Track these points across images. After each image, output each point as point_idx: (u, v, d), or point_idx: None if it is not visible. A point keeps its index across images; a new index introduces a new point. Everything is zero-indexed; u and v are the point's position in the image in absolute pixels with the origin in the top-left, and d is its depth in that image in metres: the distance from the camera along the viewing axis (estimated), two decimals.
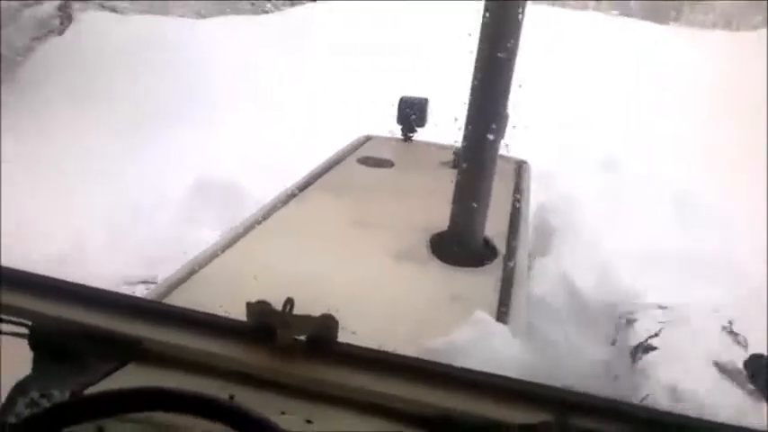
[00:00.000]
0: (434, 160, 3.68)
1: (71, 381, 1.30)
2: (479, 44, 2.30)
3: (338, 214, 2.76)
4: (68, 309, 1.39)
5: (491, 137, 2.29)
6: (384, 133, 4.36)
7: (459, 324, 1.66)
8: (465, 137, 2.36)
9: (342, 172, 3.48)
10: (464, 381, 1.32)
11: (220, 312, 1.53)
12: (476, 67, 2.30)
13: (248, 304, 1.36)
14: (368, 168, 3.61)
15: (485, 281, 2.28)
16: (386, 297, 2.07)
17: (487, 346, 1.57)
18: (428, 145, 4.13)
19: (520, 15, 2.24)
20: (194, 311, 1.48)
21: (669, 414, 1.33)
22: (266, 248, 2.38)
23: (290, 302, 1.34)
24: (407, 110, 4.23)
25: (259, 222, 2.59)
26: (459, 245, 2.45)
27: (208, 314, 1.47)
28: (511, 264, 2.43)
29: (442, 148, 3.70)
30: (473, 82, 2.31)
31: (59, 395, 1.05)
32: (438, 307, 2.04)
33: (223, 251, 2.28)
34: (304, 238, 2.50)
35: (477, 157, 2.35)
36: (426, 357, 1.48)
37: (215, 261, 2.20)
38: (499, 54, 2.24)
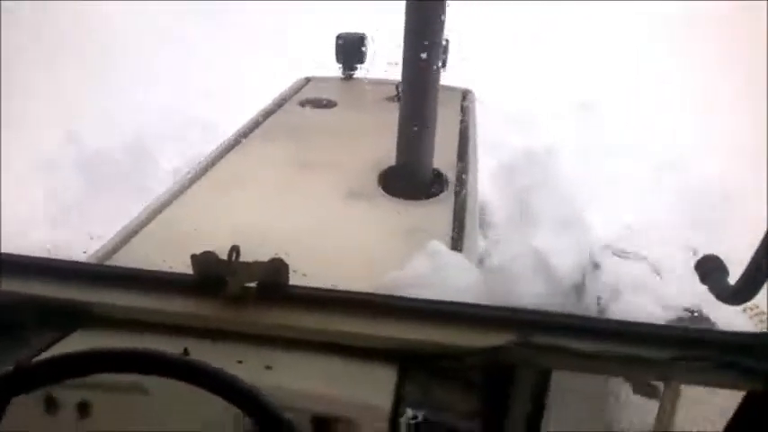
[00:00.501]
0: (378, 96, 3.61)
1: (17, 353, 1.24)
2: None
3: (282, 159, 2.69)
4: (7, 280, 1.32)
5: (430, 64, 2.22)
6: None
7: (414, 256, 1.63)
8: (403, 68, 2.29)
9: (283, 116, 3.38)
10: (424, 311, 1.30)
11: (166, 269, 1.48)
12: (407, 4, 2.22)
13: (193, 256, 1.31)
14: (310, 110, 3.52)
15: (437, 212, 2.26)
16: (337, 236, 2.03)
17: (444, 275, 1.55)
18: (371, 81, 4.04)
19: None
20: (138, 270, 1.43)
21: (627, 323, 1.34)
22: (210, 200, 2.31)
23: (235, 250, 1.29)
24: (345, 47, 4.12)
25: (201, 175, 2.50)
26: (408, 178, 2.41)
27: (153, 271, 1.41)
28: (462, 193, 2.41)
29: (386, 83, 3.62)
30: (406, 9, 2.23)
31: (4, 368, 0.99)
32: (391, 241, 2.01)
33: (165, 207, 2.20)
34: (248, 186, 2.43)
35: (417, 87, 2.29)
36: (383, 292, 1.46)
37: (157, 218, 2.12)
38: None
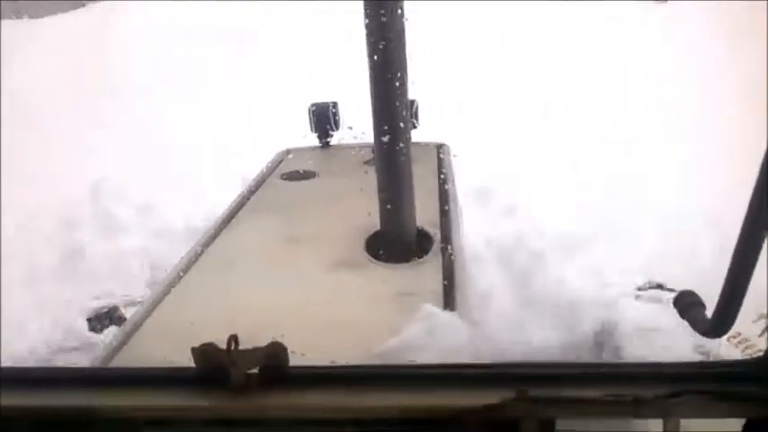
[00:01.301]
0: (356, 161, 3.69)
1: None
2: (367, 44, 2.30)
3: (270, 236, 2.73)
4: (7, 394, 1.34)
5: (401, 134, 2.30)
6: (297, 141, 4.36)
7: (408, 321, 1.67)
8: (374, 132, 2.36)
9: (267, 192, 3.44)
10: (423, 377, 1.33)
11: (167, 365, 1.50)
12: (369, 60, 2.29)
13: (193, 350, 1.34)
14: (292, 183, 3.59)
15: (425, 272, 2.31)
16: (330, 310, 2.06)
17: (440, 336, 1.59)
18: (347, 147, 4.13)
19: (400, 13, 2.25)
20: (140, 369, 1.46)
21: (622, 365, 1.38)
22: (204, 288, 2.34)
23: (233, 339, 1.32)
24: (319, 116, 4.22)
25: (192, 262, 2.54)
26: (394, 242, 2.46)
27: (155, 369, 1.44)
28: (449, 248, 2.46)
29: (362, 146, 3.71)
30: (370, 76, 2.31)
31: None
32: (384, 307, 2.05)
33: (160, 301, 2.23)
34: (239, 268, 2.47)
35: (390, 150, 2.35)
36: (381, 361, 1.49)
37: (154, 314, 2.15)
38: (388, 37, 2.23)
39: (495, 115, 6.77)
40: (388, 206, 2.45)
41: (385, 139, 2.34)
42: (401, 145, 2.35)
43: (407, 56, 2.31)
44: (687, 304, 1.28)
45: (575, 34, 8.28)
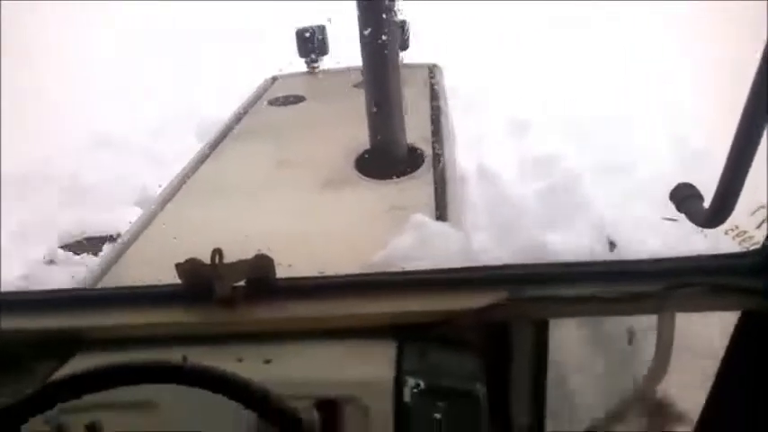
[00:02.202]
0: (344, 85, 3.59)
1: (19, 386, 1.24)
2: None
3: (257, 160, 2.68)
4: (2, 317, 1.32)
5: (386, 42, 2.21)
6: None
7: (399, 232, 1.63)
8: (362, 50, 2.29)
9: (254, 117, 3.36)
10: (413, 282, 1.30)
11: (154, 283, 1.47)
12: None
13: (177, 265, 1.31)
14: (280, 108, 3.51)
15: (417, 186, 2.26)
16: (319, 224, 2.03)
17: (431, 245, 1.56)
18: (336, 71, 4.03)
19: None
20: (126, 288, 1.43)
21: (615, 263, 1.34)
22: (192, 210, 2.30)
23: (217, 253, 1.28)
24: (305, 41, 4.09)
25: (179, 186, 2.49)
26: (384, 158, 2.41)
27: (141, 287, 1.41)
28: (439, 164, 2.41)
29: (350, 70, 3.61)
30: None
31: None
32: (375, 221, 2.01)
33: (149, 223, 2.19)
34: (226, 190, 2.42)
35: (378, 67, 2.29)
36: (372, 271, 1.46)
37: (142, 235, 2.11)
38: None
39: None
40: (378, 124, 2.40)
41: (373, 56, 2.28)
42: (389, 62, 2.28)
43: None
44: (684, 197, 1.23)
45: None
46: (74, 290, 1.74)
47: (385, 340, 1.24)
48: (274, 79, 4.13)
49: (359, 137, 2.52)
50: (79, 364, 1.29)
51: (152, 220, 2.22)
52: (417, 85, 3.45)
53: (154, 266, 1.71)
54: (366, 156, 2.50)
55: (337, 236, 1.92)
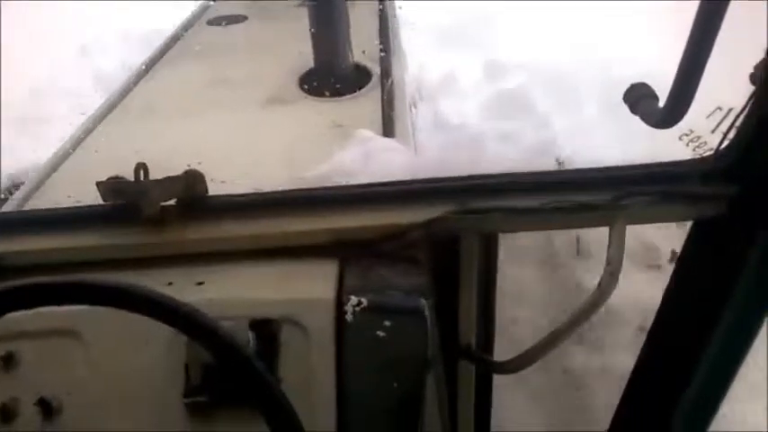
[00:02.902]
0: (289, 3, 3.42)
1: None
2: None
3: (196, 80, 2.53)
4: None
5: None
6: None
7: (342, 147, 1.54)
8: None
9: (193, 37, 3.18)
10: (354, 197, 1.23)
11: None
12: None
13: (98, 184, 1.21)
14: (220, 28, 3.32)
15: (363, 104, 2.17)
16: (257, 141, 1.93)
17: (375, 160, 1.48)
18: None
19: None
20: (46, 211, 1.32)
21: (563, 172, 1.29)
22: (124, 131, 2.16)
23: (141, 167, 1.19)
24: None
25: (111, 108, 2.33)
26: (329, 76, 2.30)
27: (60, 209, 1.31)
28: (388, 82, 2.31)
29: None
30: None
31: None
32: (318, 138, 1.91)
33: (76, 146, 2.05)
34: (160, 111, 2.28)
35: None
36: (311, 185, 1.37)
37: (69, 159, 1.97)
38: None
39: None
40: (322, 40, 2.28)
41: None
42: None
43: None
44: (638, 96, 1.17)
45: None
46: None
47: (326, 258, 1.17)
48: None
49: (303, 56, 2.40)
50: None
51: (80, 142, 2.07)
52: (365, 2, 3.30)
53: (79, 188, 1.59)
54: (311, 74, 2.38)
55: (276, 152, 1.82)
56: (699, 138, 1.33)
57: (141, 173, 1.18)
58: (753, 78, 1.07)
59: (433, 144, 2.92)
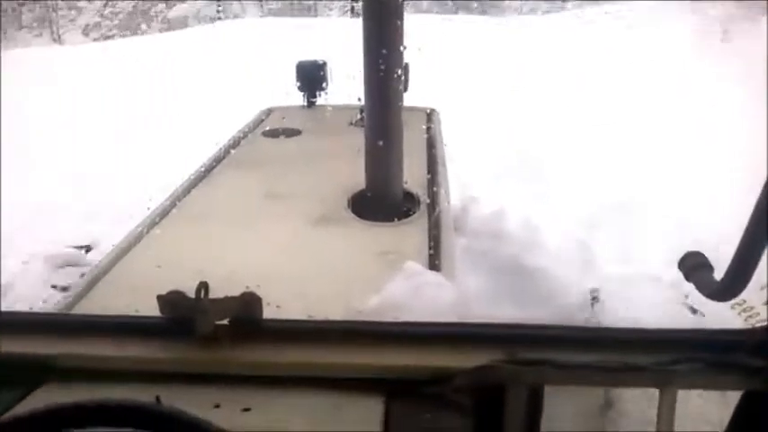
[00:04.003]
0: (342, 122, 3.57)
1: None
2: (363, 5, 2.22)
3: (249, 190, 2.62)
4: None
5: (391, 81, 2.20)
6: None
7: (391, 279, 1.57)
8: (365, 88, 2.26)
9: (247, 147, 3.32)
10: (405, 335, 1.25)
11: (133, 313, 1.41)
12: (364, 22, 2.20)
13: (159, 297, 1.24)
14: (274, 140, 3.47)
15: (411, 232, 2.21)
16: (309, 264, 1.96)
17: (423, 295, 1.50)
18: (334, 108, 4.01)
19: None
20: (102, 316, 1.36)
21: (615, 330, 1.29)
22: (177, 238, 2.22)
23: (203, 287, 1.23)
24: (306, 74, 4.08)
25: (167, 212, 2.42)
26: (379, 200, 2.37)
27: (118, 316, 1.34)
28: (435, 211, 2.37)
29: (348, 108, 3.59)
30: (364, 35, 2.22)
31: None
32: (366, 266, 1.95)
33: (131, 247, 2.11)
34: (215, 220, 2.35)
35: (380, 106, 2.27)
36: (362, 318, 1.40)
37: (123, 260, 2.03)
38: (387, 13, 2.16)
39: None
40: (375, 164, 2.37)
41: (376, 97, 2.27)
42: (392, 102, 2.26)
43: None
44: (693, 265, 1.19)
45: None
46: (45, 314, 1.66)
47: (372, 394, 1.17)
48: (270, 111, 4.10)
49: (354, 175, 2.48)
50: (46, 395, 1.22)
51: (135, 244, 2.14)
52: (414, 128, 3.43)
53: (134, 295, 1.64)
54: (361, 196, 2.45)
55: (327, 277, 1.85)
56: (752, 308, 1.34)
57: (202, 291, 1.22)
58: None
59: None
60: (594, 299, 3.86)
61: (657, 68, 7.61)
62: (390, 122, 2.31)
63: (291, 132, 3.55)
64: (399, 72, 2.26)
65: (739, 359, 1.18)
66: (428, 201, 2.46)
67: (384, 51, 2.19)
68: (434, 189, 2.58)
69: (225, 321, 1.24)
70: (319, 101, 4.18)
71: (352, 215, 2.35)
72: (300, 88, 4.14)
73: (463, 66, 7.56)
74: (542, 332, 1.23)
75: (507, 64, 7.85)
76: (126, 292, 1.77)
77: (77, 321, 1.40)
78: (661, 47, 8.40)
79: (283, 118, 3.86)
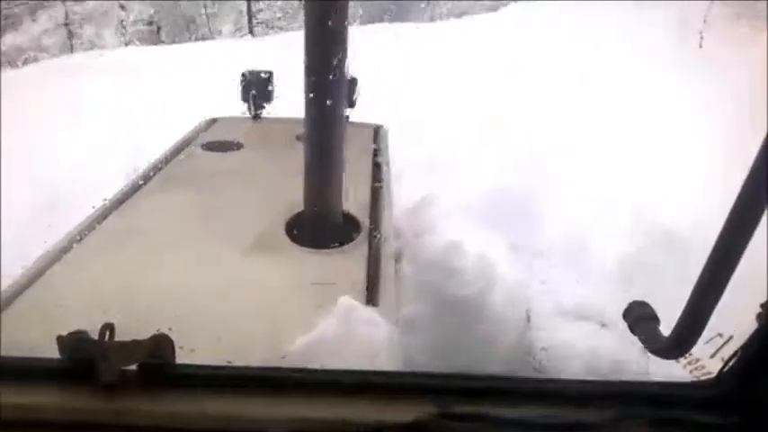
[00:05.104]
0: (287, 136, 3.45)
1: None
2: (305, 15, 2.10)
3: (179, 211, 2.47)
4: None
5: (333, 102, 2.09)
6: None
7: (324, 316, 1.47)
8: (305, 104, 2.15)
9: (185, 161, 3.16)
10: (333, 385, 1.14)
11: (30, 354, 1.26)
12: (306, 27, 2.09)
13: (59, 338, 1.12)
14: (214, 154, 3.32)
15: (349, 260, 2.11)
16: (234, 299, 1.83)
17: (357, 335, 1.41)
18: (279, 120, 3.88)
19: None
20: None
21: (558, 381, 1.22)
22: (89, 268, 2.05)
23: (108, 328, 1.11)
24: (251, 85, 3.95)
25: (85, 233, 2.24)
26: (317, 225, 2.25)
27: (10, 358, 1.20)
28: (376, 237, 2.27)
29: (295, 121, 3.47)
30: (305, 50, 2.11)
31: None
32: (298, 299, 1.83)
33: (34, 280, 1.93)
34: (136, 245, 2.19)
35: (322, 129, 2.16)
36: (287, 363, 1.29)
37: (25, 293, 1.85)
38: (329, 22, 2.05)
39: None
40: (314, 186, 2.25)
41: (316, 112, 2.15)
42: (333, 121, 2.16)
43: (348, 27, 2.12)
44: (638, 317, 1.13)
45: None
46: None
47: None
48: (213, 121, 3.95)
49: (294, 195, 2.35)
50: None
51: (45, 270, 1.96)
52: (360, 146, 3.34)
53: (33, 334, 1.48)
54: (298, 220, 2.33)
55: (253, 314, 1.73)
56: (698, 360, 1.28)
57: (107, 333, 1.10)
58: (759, 318, 1.03)
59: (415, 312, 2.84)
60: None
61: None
62: (331, 139, 2.19)
63: (232, 146, 3.40)
64: (340, 83, 2.14)
65: (686, 415, 1.12)
66: (369, 225, 2.36)
67: (324, 62, 2.08)
68: (377, 213, 2.48)
69: (133, 366, 1.12)
70: (266, 113, 4.05)
71: (289, 240, 2.22)
72: (244, 98, 4.00)
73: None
74: (480, 383, 1.14)
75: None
76: (24, 331, 1.61)
77: None
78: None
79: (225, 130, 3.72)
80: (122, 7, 12.87)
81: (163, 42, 12.90)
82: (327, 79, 2.08)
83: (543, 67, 7.40)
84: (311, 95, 2.12)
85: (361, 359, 1.26)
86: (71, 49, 12.21)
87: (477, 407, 1.11)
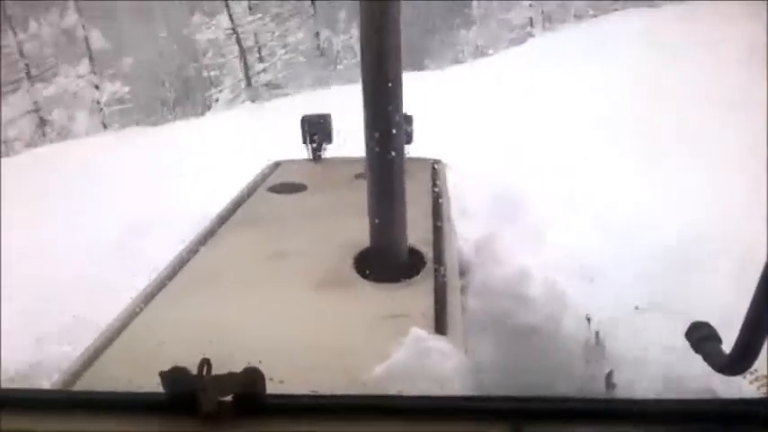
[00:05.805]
0: (348, 175, 3.58)
1: None
2: (362, 62, 2.23)
3: (254, 251, 2.61)
4: None
5: (393, 142, 2.20)
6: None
7: (396, 346, 1.56)
8: (366, 143, 2.26)
9: (253, 205, 3.33)
10: (412, 409, 1.23)
11: (135, 389, 1.39)
12: (363, 71, 2.21)
13: (161, 374, 1.24)
14: (280, 196, 3.48)
15: (416, 293, 2.19)
16: (313, 333, 1.94)
17: (429, 363, 1.49)
18: (340, 160, 4.04)
19: (397, 17, 2.17)
20: (104, 393, 1.35)
21: (623, 401, 1.27)
22: (180, 307, 2.21)
23: (205, 363, 1.22)
24: (311, 128, 4.13)
25: (170, 277, 2.41)
26: (384, 260, 2.35)
27: (119, 393, 1.33)
28: (441, 269, 2.36)
29: (355, 160, 3.60)
30: (363, 83, 2.23)
31: None
32: (371, 331, 1.93)
33: (130, 321, 2.09)
34: (220, 286, 2.34)
35: (382, 164, 2.25)
36: (367, 390, 1.39)
37: (124, 333, 2.01)
38: (383, 51, 2.16)
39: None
40: (379, 222, 2.35)
41: (377, 151, 2.25)
42: (394, 158, 2.26)
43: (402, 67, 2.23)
44: (701, 337, 1.18)
45: None
46: (46, 391, 1.65)
47: None
48: (277, 165, 4.13)
49: (359, 233, 2.46)
50: None
51: (137, 314, 2.12)
52: (419, 180, 3.43)
53: (136, 370, 1.62)
54: (365, 255, 2.44)
55: (332, 347, 1.83)
56: (765, 377, 1.31)
57: (205, 368, 1.22)
58: None
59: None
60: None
61: None
62: (392, 177, 2.28)
63: (297, 187, 3.56)
64: (400, 122, 2.24)
65: (749, 430, 1.16)
66: (433, 258, 2.44)
67: (383, 102, 2.19)
68: (439, 246, 2.56)
69: (228, 398, 1.24)
70: (327, 153, 4.21)
71: (357, 275, 2.33)
72: (305, 141, 4.18)
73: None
74: (550, 405, 1.21)
75: None
76: (127, 368, 1.76)
77: (78, 398, 1.39)
78: None
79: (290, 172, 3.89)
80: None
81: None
82: (386, 116, 2.19)
83: None
84: (371, 133, 2.23)
85: (432, 386, 1.34)
86: None
87: (545, 427, 1.17)
